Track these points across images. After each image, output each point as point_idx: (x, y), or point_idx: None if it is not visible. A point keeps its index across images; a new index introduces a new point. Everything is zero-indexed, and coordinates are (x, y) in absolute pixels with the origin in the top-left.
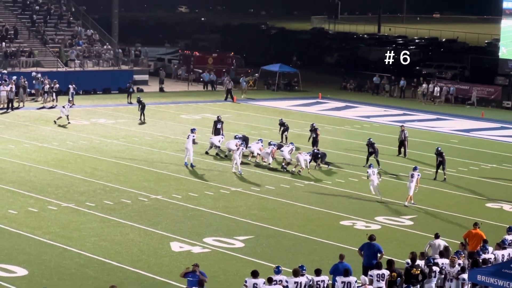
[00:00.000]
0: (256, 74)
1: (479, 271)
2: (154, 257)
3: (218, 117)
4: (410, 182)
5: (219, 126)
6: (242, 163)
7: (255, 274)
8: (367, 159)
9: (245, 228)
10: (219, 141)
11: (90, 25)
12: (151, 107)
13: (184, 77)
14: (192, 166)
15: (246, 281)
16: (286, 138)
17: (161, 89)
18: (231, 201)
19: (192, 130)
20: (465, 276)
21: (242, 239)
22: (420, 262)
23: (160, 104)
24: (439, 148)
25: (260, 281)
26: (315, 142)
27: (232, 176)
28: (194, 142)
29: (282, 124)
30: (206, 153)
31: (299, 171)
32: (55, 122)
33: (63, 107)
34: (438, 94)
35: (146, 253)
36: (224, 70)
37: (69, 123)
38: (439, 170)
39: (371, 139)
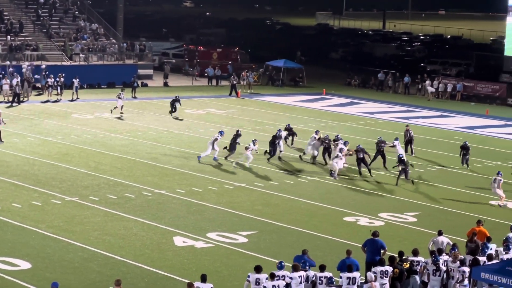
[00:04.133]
0: (261, 70)
1: (482, 269)
2: (157, 251)
3: (237, 131)
4: (497, 188)
5: (238, 140)
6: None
7: (258, 269)
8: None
9: (249, 223)
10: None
11: (95, 19)
12: (155, 102)
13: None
14: (199, 158)
15: (249, 276)
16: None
17: (166, 84)
18: (234, 197)
19: (221, 133)
20: (465, 268)
21: (245, 234)
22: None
23: (164, 99)
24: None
25: (263, 276)
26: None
27: (236, 171)
28: (214, 143)
29: (289, 129)
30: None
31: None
32: (111, 111)
33: (119, 97)
34: (442, 90)
35: (150, 248)
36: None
37: (121, 113)
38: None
39: (381, 138)
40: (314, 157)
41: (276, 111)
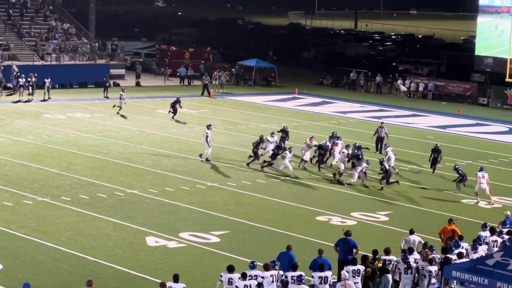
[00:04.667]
0: (233, 69)
1: (454, 267)
2: (129, 251)
3: (261, 136)
4: (482, 183)
5: (261, 146)
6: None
7: (231, 269)
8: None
9: (221, 223)
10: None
11: (66, 18)
12: (127, 102)
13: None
14: (207, 160)
15: (221, 276)
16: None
17: (138, 84)
18: (207, 196)
19: (208, 127)
20: (431, 268)
21: (218, 234)
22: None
23: (136, 99)
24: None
25: (236, 276)
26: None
27: (209, 171)
28: (206, 140)
29: (284, 131)
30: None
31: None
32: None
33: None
34: (414, 89)
35: (122, 248)
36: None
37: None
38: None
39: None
40: (305, 161)
41: (248, 111)
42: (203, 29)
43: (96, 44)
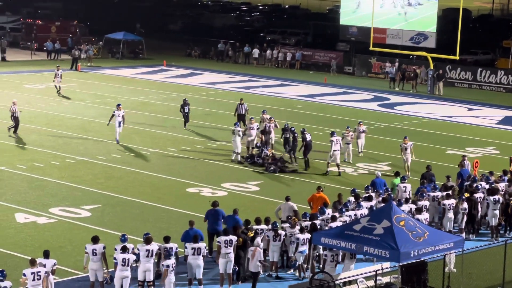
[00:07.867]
0: (100, 43)
1: (323, 234)
2: None
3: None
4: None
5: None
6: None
7: (95, 240)
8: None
9: (92, 197)
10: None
11: None
12: None
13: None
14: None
15: (86, 247)
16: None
17: (3, 59)
18: (77, 171)
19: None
20: (299, 236)
21: (88, 209)
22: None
23: (2, 74)
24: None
25: (100, 246)
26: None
27: (78, 146)
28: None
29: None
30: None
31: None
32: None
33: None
34: (282, 59)
35: None
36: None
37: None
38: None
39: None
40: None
41: (117, 84)
42: (68, 2)
43: None
